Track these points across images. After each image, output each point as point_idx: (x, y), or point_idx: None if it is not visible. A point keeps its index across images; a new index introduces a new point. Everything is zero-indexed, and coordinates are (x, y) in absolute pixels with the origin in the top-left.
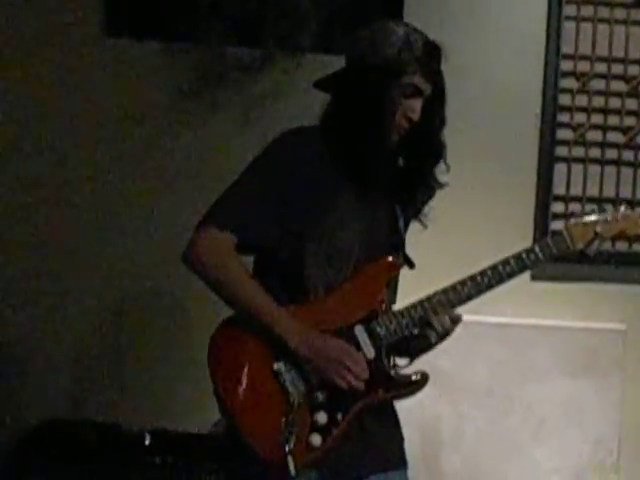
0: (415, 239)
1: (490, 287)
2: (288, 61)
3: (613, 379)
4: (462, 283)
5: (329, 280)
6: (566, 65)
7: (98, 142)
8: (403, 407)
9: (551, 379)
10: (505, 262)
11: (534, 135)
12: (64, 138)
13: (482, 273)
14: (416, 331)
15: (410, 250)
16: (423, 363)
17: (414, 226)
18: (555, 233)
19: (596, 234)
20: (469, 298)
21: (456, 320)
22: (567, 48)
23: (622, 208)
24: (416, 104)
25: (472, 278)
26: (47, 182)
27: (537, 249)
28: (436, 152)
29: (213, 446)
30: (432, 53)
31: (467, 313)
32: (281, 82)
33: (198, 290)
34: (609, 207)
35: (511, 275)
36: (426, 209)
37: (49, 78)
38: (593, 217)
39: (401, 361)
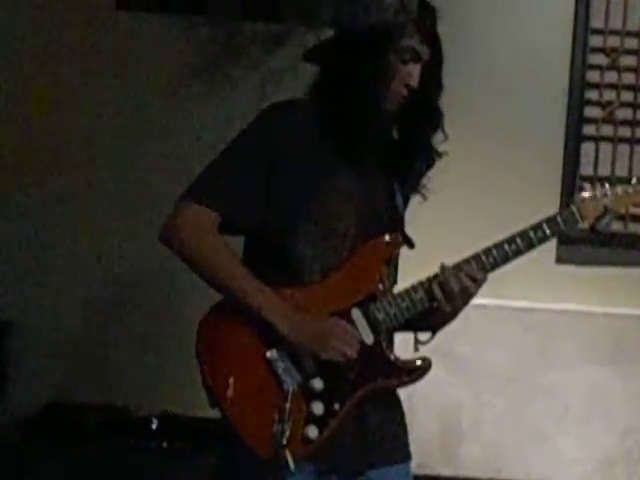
0: (433, 220)
1: (496, 266)
2: (307, 36)
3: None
4: (466, 261)
5: (325, 261)
6: (595, 40)
7: (112, 117)
8: (421, 394)
9: (575, 366)
10: (511, 240)
11: (561, 113)
12: (79, 114)
13: (486, 252)
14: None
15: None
16: (444, 348)
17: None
18: (564, 209)
19: (606, 209)
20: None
21: (482, 281)
22: (596, 22)
23: (634, 181)
24: (415, 70)
25: (475, 257)
26: (49, 156)
27: (545, 225)
28: (434, 120)
29: (221, 431)
30: (428, 15)
31: (488, 297)
32: (299, 57)
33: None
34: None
35: (517, 254)
36: (425, 180)
37: (63, 53)
38: (603, 191)
39: (423, 336)
